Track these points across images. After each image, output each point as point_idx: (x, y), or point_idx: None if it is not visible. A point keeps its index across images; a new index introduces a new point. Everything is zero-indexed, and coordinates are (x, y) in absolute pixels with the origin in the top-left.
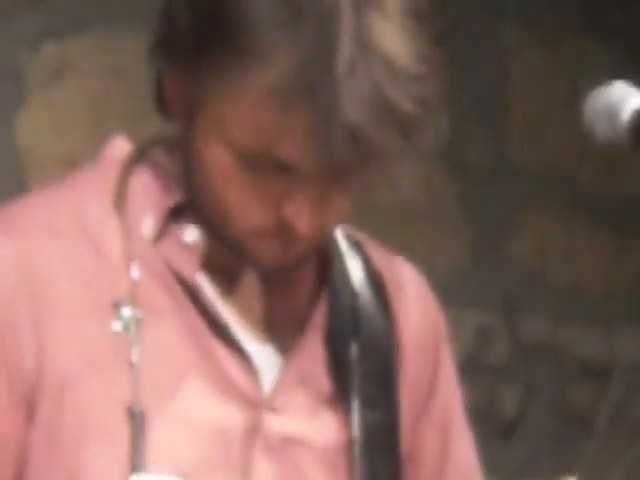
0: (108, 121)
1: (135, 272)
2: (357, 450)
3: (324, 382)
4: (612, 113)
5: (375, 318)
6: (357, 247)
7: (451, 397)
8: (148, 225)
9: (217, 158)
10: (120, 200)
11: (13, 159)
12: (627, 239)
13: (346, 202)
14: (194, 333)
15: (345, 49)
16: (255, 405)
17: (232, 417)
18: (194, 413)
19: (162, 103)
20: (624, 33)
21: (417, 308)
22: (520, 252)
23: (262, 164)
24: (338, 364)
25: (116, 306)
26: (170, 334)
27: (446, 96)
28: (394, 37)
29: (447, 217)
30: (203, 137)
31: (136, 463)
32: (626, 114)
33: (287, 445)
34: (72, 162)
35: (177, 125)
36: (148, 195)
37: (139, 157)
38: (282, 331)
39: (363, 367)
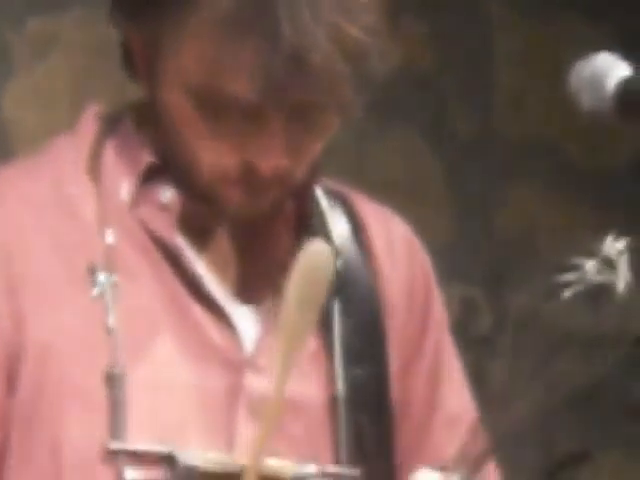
0: (93, 95)
1: (110, 237)
2: (341, 407)
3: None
4: (596, 84)
5: (359, 272)
6: (340, 200)
7: (441, 340)
8: (124, 189)
9: (179, 106)
10: (94, 166)
11: None
12: (612, 210)
13: (313, 144)
14: (172, 295)
15: None
16: (236, 366)
17: (213, 378)
18: (173, 376)
19: (129, 64)
20: (608, 6)
21: (404, 256)
22: (505, 224)
23: (219, 106)
24: (321, 321)
25: (92, 271)
26: (147, 297)
27: (432, 68)
28: None
29: (432, 189)
30: (165, 88)
31: (115, 429)
32: (610, 85)
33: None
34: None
35: (144, 85)
36: (122, 160)
37: (113, 123)
38: (262, 289)
39: (347, 323)
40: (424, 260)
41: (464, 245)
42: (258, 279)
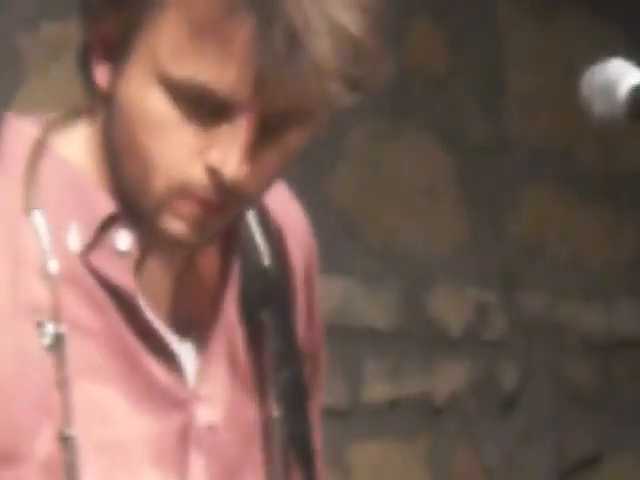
0: None
1: (57, 286)
2: (277, 425)
3: (242, 357)
4: (609, 90)
5: (275, 271)
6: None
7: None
8: (73, 236)
9: (150, 103)
10: (31, 208)
11: None
12: (625, 213)
13: (279, 165)
14: (120, 343)
15: None
16: (184, 403)
17: (164, 423)
18: (124, 430)
19: (87, 71)
20: (621, 7)
21: (299, 245)
22: (519, 227)
23: (196, 104)
24: (253, 334)
25: (39, 324)
26: (95, 348)
27: (445, 72)
28: None
29: (446, 193)
30: (134, 84)
31: None
32: (623, 91)
33: (212, 433)
34: None
35: (103, 87)
36: (66, 199)
37: (43, 146)
38: (195, 317)
39: (275, 330)
40: (312, 244)
41: (477, 248)
42: (191, 307)
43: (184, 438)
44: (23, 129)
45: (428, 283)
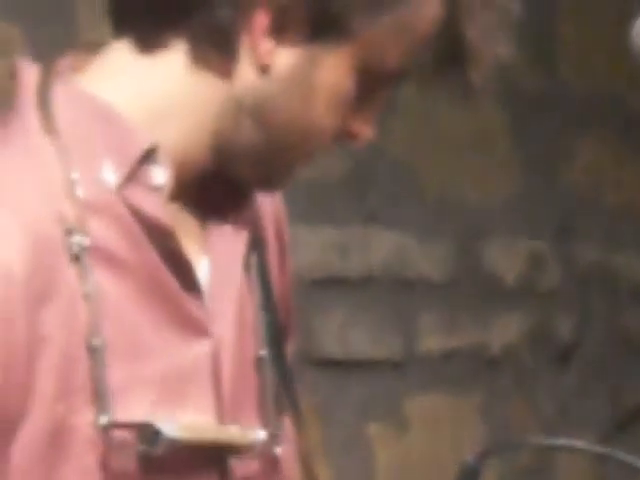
0: None
1: (84, 209)
2: (267, 364)
3: (244, 293)
4: None
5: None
6: None
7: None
8: (109, 171)
9: (346, 84)
10: (54, 131)
11: None
12: None
13: None
14: (155, 276)
15: None
16: (212, 335)
17: (198, 354)
18: (160, 364)
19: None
20: None
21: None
22: (572, 177)
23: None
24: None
25: (67, 231)
26: (130, 281)
27: None
28: None
29: (498, 144)
30: (330, 66)
31: (101, 403)
32: None
33: (227, 365)
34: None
35: (256, 66)
36: (94, 131)
37: (50, 84)
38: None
39: (257, 276)
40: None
41: (531, 199)
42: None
43: (216, 364)
44: (30, 73)
45: (482, 234)
